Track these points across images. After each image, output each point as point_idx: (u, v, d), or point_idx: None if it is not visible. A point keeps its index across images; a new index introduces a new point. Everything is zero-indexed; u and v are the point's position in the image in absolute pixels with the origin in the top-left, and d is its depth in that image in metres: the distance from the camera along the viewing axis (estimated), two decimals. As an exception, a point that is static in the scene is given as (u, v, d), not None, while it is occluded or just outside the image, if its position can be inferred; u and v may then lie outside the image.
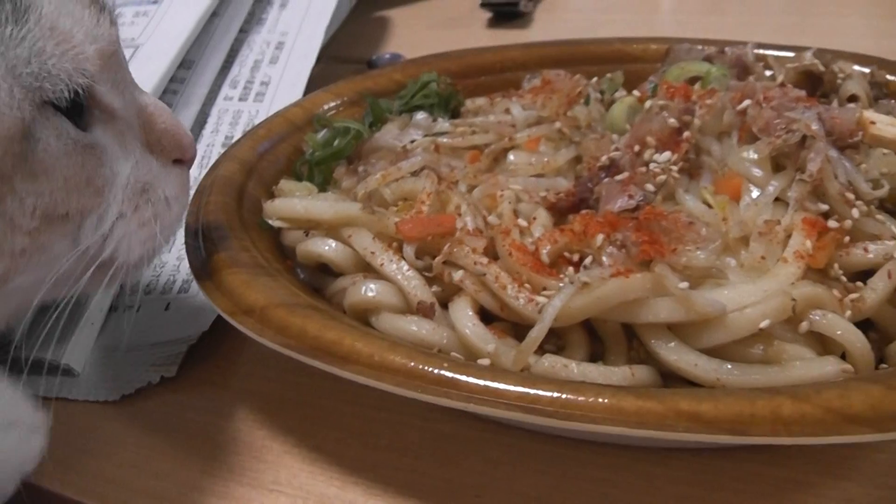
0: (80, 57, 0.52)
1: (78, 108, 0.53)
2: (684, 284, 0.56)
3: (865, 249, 0.61)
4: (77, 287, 0.56)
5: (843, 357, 0.56)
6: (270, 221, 0.70)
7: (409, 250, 0.62)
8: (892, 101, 0.79)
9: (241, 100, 1.01)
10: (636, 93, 0.80)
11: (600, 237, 0.59)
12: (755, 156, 0.67)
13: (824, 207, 0.63)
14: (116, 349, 0.73)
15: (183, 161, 0.62)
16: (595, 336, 0.59)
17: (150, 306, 0.77)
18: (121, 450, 0.65)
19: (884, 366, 0.57)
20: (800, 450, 0.58)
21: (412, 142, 0.77)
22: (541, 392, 0.49)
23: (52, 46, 0.50)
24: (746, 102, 0.71)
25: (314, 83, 0.99)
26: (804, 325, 0.57)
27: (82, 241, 0.55)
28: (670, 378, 0.57)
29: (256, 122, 0.93)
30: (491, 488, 0.58)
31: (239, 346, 0.73)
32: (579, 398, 0.48)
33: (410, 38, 1.40)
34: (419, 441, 0.62)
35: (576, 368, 0.55)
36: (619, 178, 0.66)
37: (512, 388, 0.49)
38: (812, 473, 0.57)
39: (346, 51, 1.26)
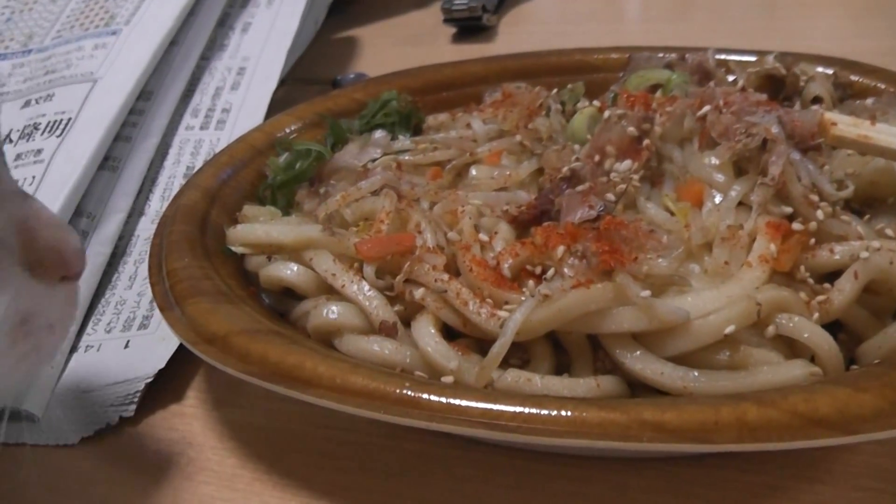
0: None
1: None
2: (646, 293, 0.55)
3: (831, 251, 0.61)
4: None
5: (813, 360, 0.56)
6: (233, 248, 0.70)
7: (369, 270, 0.62)
8: (857, 102, 0.79)
9: (202, 128, 1.01)
10: (596, 103, 0.80)
11: (561, 249, 0.59)
12: (716, 161, 0.67)
13: (788, 210, 0.63)
14: (76, 392, 0.72)
15: (69, 277, 0.55)
16: (561, 348, 0.59)
17: (111, 345, 0.75)
18: (93, 488, 0.64)
19: (854, 367, 0.57)
20: (773, 454, 0.58)
21: (373, 161, 0.77)
22: (503, 407, 0.49)
23: None
24: (706, 108, 0.71)
25: (280, 106, 0.98)
26: (771, 330, 0.56)
27: None
28: (638, 387, 0.56)
29: (218, 150, 0.93)
30: (462, 506, 0.58)
31: (208, 375, 0.73)
32: (542, 412, 0.48)
33: (376, 56, 1.40)
34: (389, 461, 0.62)
35: (539, 382, 0.55)
36: (579, 188, 0.66)
37: (474, 404, 0.49)
38: (786, 478, 0.57)
39: (312, 72, 1.25)
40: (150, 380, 0.70)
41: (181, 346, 0.70)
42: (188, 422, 0.69)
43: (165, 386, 0.71)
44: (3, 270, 0.51)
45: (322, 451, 0.63)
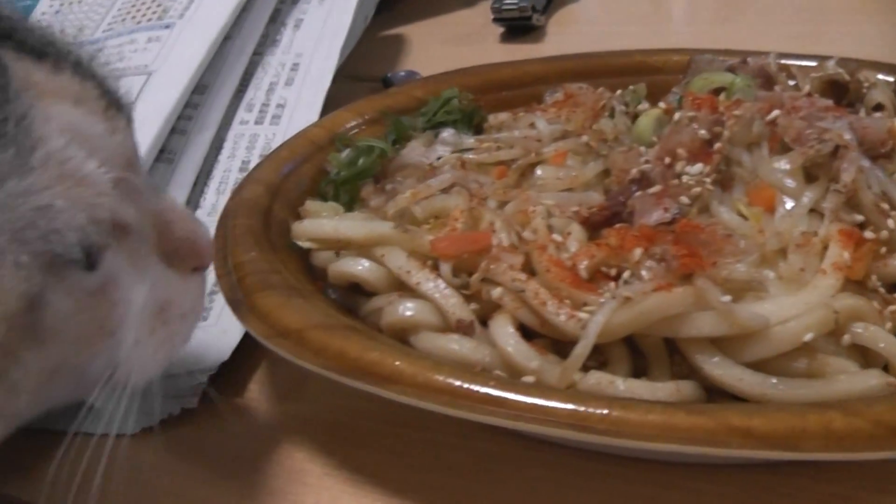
0: (96, 201, 0.46)
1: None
2: (727, 298, 0.55)
3: (903, 260, 0.60)
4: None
5: (885, 369, 0.55)
6: (300, 243, 0.69)
7: (445, 268, 0.62)
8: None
9: (256, 123, 1.00)
10: (662, 104, 0.79)
11: (638, 251, 0.58)
12: (787, 166, 0.66)
13: (859, 218, 0.62)
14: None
15: (200, 268, 0.59)
16: (635, 351, 0.58)
17: (170, 337, 0.75)
18: (156, 478, 0.64)
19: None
20: (847, 464, 0.57)
21: (438, 158, 0.76)
22: (591, 409, 0.48)
23: (62, 200, 0.44)
24: (775, 113, 0.71)
25: (330, 103, 0.98)
26: (846, 338, 0.56)
27: (92, 378, 0.52)
28: (713, 393, 0.56)
29: (273, 145, 0.92)
30: (537, 507, 0.57)
31: (270, 370, 0.72)
32: (630, 415, 0.48)
33: (424, 54, 1.39)
34: (462, 460, 0.61)
35: (622, 385, 0.54)
36: (651, 190, 0.66)
37: (561, 405, 0.49)
38: (860, 489, 0.57)
39: (361, 69, 1.24)
40: (213, 372, 0.70)
41: (240, 340, 0.70)
42: (252, 415, 0.69)
43: (227, 379, 0.70)
44: (142, 260, 0.53)
45: (392, 449, 0.63)
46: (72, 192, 0.45)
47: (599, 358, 0.57)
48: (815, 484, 0.57)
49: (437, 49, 1.41)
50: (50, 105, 0.46)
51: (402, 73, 1.22)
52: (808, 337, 0.54)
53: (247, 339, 0.71)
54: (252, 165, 0.87)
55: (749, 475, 0.58)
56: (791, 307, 0.56)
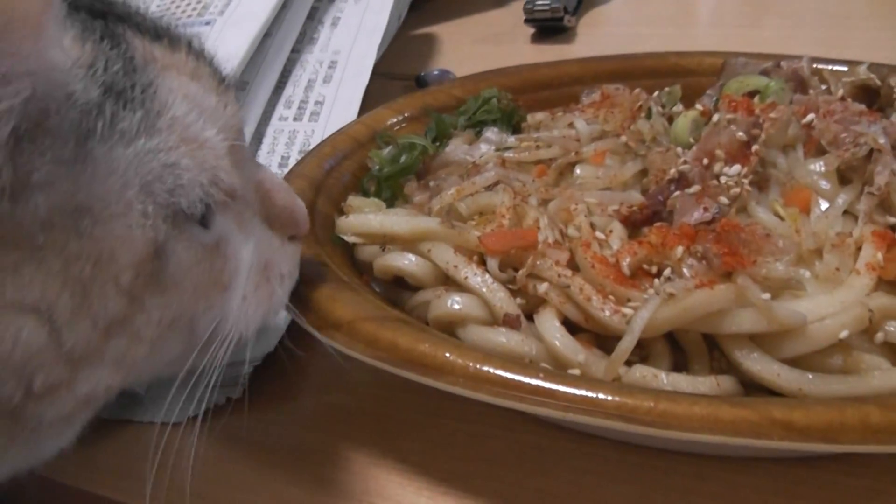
0: (215, 163, 0.50)
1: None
2: (766, 296, 0.56)
3: (933, 262, 0.61)
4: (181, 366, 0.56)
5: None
6: (345, 237, 0.71)
7: (493, 263, 0.63)
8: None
9: (295, 119, 1.02)
10: (699, 106, 0.81)
11: (680, 249, 0.60)
12: (823, 168, 0.68)
13: (893, 220, 0.64)
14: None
15: (296, 236, 0.62)
16: (674, 346, 0.60)
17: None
18: (202, 465, 0.64)
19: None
20: (877, 459, 0.59)
21: (481, 156, 0.78)
22: (638, 401, 0.50)
23: (188, 160, 0.48)
24: (811, 116, 0.72)
25: (365, 100, 1.00)
26: (880, 336, 0.57)
27: (201, 332, 0.54)
28: (748, 387, 0.57)
29: (312, 141, 0.95)
30: (581, 498, 0.59)
31: (312, 361, 0.73)
32: (676, 407, 0.49)
33: (456, 53, 1.41)
34: (504, 452, 0.63)
35: (665, 379, 0.56)
36: (690, 190, 0.67)
37: (609, 397, 0.50)
38: (889, 483, 0.58)
39: (394, 67, 1.26)
40: (258, 363, 0.71)
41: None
42: (295, 406, 0.70)
43: (270, 370, 0.72)
44: (248, 221, 0.57)
45: (435, 440, 0.64)
46: (195, 154, 0.49)
47: (641, 353, 0.59)
48: (847, 477, 0.58)
49: (468, 48, 1.43)
50: (171, 77, 0.50)
51: (436, 72, 1.24)
52: (843, 334, 0.56)
53: (289, 331, 0.72)
54: (291, 161, 0.89)
55: (783, 468, 0.59)
56: (827, 305, 0.57)
